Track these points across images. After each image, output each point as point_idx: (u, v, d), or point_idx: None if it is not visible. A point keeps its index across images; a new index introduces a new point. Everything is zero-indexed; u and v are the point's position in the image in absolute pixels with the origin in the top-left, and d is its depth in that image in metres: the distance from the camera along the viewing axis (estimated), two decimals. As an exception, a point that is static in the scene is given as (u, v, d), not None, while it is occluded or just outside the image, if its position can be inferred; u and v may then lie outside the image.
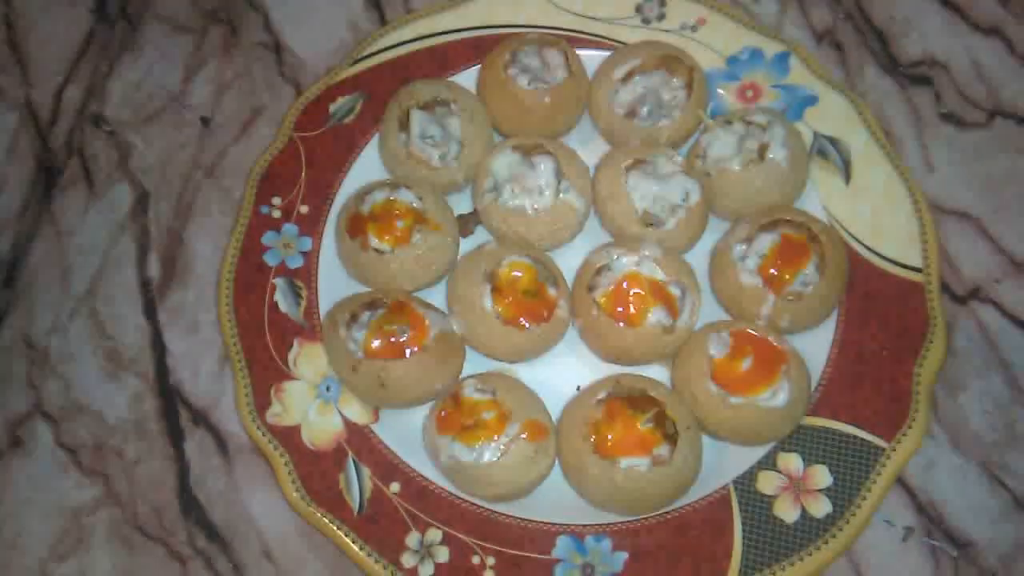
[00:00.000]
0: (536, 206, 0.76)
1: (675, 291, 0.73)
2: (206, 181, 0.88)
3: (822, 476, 0.69)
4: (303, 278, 0.79)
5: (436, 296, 0.78)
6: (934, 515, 0.71)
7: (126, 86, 0.93)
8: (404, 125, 0.80)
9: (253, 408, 0.73)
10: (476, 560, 0.68)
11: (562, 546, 0.68)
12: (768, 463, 0.70)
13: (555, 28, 0.88)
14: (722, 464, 0.71)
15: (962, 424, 0.74)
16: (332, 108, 0.85)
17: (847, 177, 0.80)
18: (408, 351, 0.70)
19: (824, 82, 0.84)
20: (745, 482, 0.70)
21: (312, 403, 0.74)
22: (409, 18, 0.89)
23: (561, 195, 0.77)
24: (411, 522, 0.69)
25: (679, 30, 0.87)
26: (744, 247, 0.74)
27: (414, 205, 0.77)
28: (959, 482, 0.72)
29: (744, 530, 0.68)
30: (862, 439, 0.70)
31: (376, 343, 0.71)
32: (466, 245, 0.80)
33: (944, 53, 0.90)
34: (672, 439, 0.67)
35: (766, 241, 0.73)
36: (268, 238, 0.80)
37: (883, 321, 0.74)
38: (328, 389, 0.74)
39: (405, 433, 0.73)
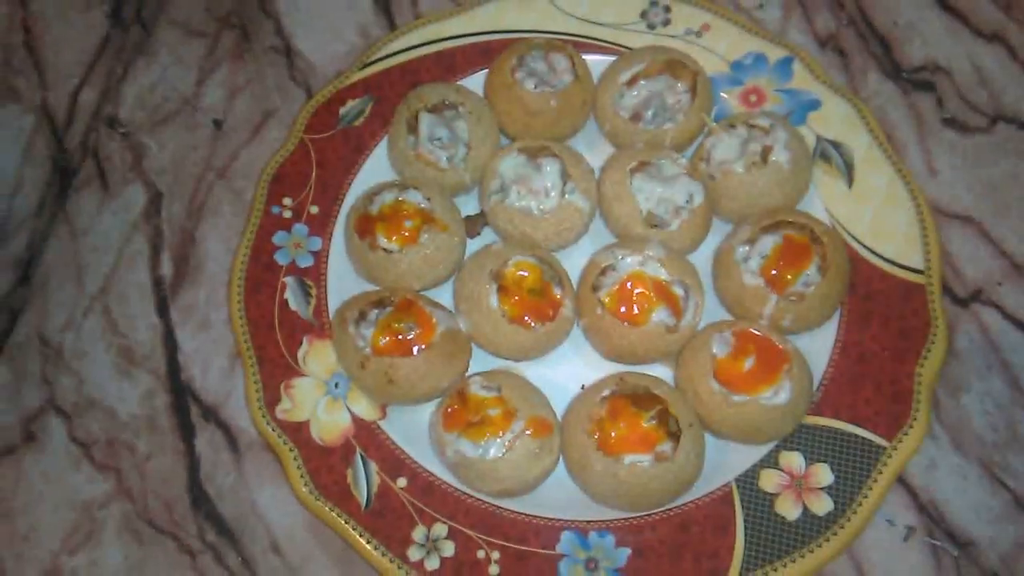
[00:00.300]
0: (542, 207, 0.78)
1: (678, 291, 0.74)
2: (218, 182, 0.89)
3: (824, 474, 0.70)
4: (313, 277, 0.80)
5: (443, 295, 0.79)
6: (935, 515, 0.72)
7: (140, 89, 0.95)
8: (413, 127, 0.82)
9: (263, 404, 0.74)
10: (481, 554, 0.69)
11: (566, 541, 0.69)
12: (770, 461, 0.71)
13: (561, 33, 0.89)
14: (724, 462, 0.71)
15: (963, 425, 0.75)
16: (342, 111, 0.87)
17: (849, 180, 0.81)
18: (415, 348, 0.71)
19: (827, 87, 0.85)
20: (747, 480, 0.70)
21: (321, 399, 0.75)
22: (418, 23, 0.91)
23: (567, 196, 0.78)
24: (417, 517, 0.70)
25: (683, 35, 0.88)
26: (747, 248, 0.75)
27: (422, 206, 0.78)
28: (960, 482, 0.73)
29: (746, 527, 0.69)
30: (863, 438, 0.71)
31: (384, 340, 0.72)
32: (473, 246, 0.81)
33: (946, 59, 0.91)
34: (675, 436, 0.68)
35: (768, 242, 0.74)
36: (279, 238, 0.81)
37: (885, 322, 0.75)
38: (337, 386, 0.75)
39: (412, 429, 0.74)
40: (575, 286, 0.77)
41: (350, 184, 0.84)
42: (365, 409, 0.75)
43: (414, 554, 0.69)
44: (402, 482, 0.72)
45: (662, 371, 0.75)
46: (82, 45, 0.98)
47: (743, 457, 0.71)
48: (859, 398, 0.72)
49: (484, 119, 0.82)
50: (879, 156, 0.81)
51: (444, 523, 0.70)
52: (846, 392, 0.73)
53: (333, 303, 0.79)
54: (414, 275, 0.76)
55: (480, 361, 0.76)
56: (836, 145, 0.82)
